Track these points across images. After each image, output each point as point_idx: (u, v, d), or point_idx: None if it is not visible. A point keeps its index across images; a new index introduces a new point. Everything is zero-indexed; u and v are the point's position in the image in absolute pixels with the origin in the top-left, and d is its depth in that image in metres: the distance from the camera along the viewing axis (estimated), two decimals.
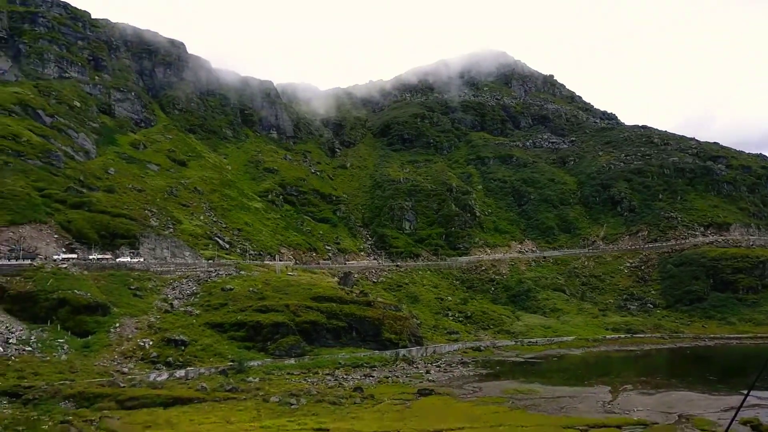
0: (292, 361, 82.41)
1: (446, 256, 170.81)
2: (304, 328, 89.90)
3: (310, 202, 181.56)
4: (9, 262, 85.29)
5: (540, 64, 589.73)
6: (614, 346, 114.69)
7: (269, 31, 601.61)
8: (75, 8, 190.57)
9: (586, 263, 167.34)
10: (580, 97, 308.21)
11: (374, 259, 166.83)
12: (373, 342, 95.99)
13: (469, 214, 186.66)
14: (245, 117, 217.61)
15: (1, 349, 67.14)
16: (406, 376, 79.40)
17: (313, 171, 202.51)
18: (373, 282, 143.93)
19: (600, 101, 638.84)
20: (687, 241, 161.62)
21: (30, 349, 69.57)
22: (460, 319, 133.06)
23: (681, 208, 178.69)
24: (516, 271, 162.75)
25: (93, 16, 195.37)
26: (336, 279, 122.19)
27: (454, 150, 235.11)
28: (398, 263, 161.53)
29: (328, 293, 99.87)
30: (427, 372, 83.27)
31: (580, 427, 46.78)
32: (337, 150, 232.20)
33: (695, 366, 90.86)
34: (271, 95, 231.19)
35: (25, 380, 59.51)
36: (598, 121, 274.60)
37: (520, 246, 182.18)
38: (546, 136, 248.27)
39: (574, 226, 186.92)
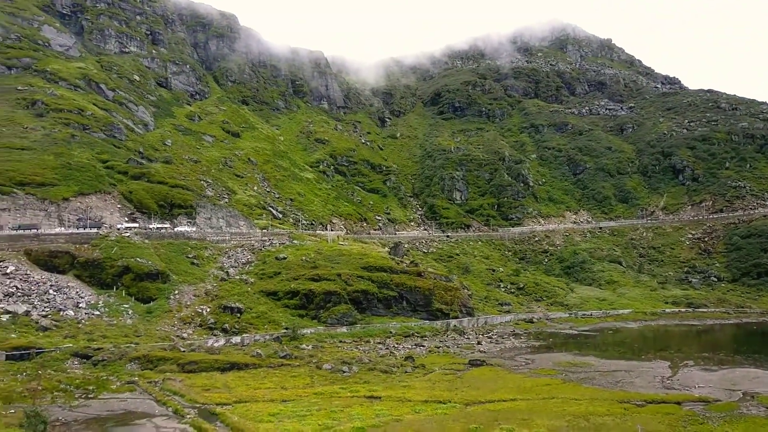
0: (344, 329, 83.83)
1: (498, 226, 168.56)
2: (355, 297, 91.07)
3: (361, 173, 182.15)
4: (78, 231, 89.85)
5: (597, 28, 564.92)
6: (674, 320, 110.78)
7: (318, 0, 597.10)
8: None
9: (644, 234, 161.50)
10: (640, 61, 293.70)
11: (424, 229, 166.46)
12: (424, 312, 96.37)
13: (522, 184, 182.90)
14: (296, 88, 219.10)
15: (72, 313, 71.20)
16: (457, 347, 79.42)
17: (363, 141, 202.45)
18: (424, 252, 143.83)
19: (662, 65, 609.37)
20: (756, 211, 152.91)
21: (98, 313, 73.45)
22: (512, 290, 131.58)
23: (750, 177, 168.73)
24: (570, 242, 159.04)
25: None
26: (386, 249, 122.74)
27: (506, 118, 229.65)
28: (449, 234, 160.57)
29: (379, 263, 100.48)
30: (479, 343, 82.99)
31: (637, 402, 45.37)
32: (387, 120, 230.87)
33: (762, 342, 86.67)
34: (321, 65, 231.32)
35: (95, 342, 63.04)
36: (659, 86, 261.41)
37: (574, 216, 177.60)
38: (603, 103, 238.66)
39: (631, 196, 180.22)
